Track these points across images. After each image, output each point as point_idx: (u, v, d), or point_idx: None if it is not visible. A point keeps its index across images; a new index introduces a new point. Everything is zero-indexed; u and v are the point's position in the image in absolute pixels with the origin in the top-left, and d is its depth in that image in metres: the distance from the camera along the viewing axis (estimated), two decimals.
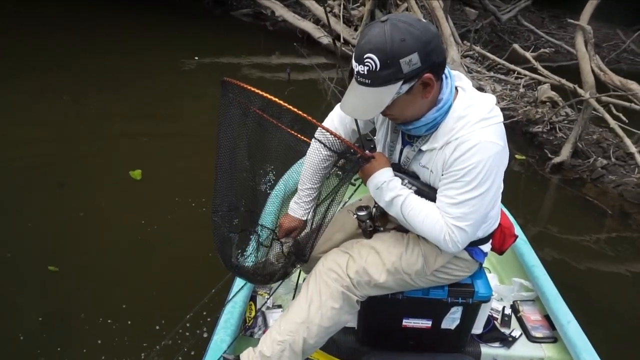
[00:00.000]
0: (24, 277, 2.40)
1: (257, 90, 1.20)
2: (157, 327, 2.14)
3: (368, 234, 1.53)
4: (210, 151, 1.39)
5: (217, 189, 1.41)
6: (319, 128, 1.20)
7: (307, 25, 7.91)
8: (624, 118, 4.13)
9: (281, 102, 1.16)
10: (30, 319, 2.16)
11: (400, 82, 1.12)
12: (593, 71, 4.16)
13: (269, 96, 1.18)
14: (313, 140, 1.31)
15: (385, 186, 1.31)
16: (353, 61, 1.14)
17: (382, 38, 1.08)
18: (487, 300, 1.56)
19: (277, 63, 7.37)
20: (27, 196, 3.02)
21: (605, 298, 2.89)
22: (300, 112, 1.16)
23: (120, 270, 2.51)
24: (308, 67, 7.26)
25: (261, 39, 8.25)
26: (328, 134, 1.19)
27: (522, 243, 2.20)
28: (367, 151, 1.44)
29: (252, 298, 1.88)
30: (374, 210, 1.53)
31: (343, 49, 6.98)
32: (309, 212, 1.55)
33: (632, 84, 3.89)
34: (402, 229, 1.51)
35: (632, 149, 3.94)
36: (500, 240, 1.56)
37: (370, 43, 1.09)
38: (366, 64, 1.10)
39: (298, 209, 1.56)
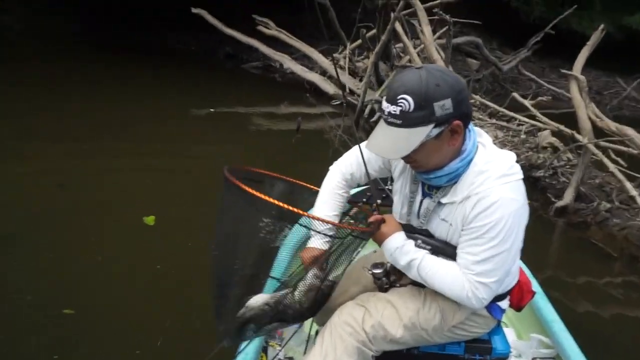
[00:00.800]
0: (39, 319, 2.46)
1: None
2: None
3: (384, 289, 1.51)
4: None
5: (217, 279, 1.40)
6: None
7: (314, 77, 8.27)
8: (622, 162, 4.24)
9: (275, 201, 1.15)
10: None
11: (432, 126, 1.15)
12: (590, 118, 4.30)
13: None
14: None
15: (399, 251, 1.33)
16: (384, 102, 1.17)
17: (417, 81, 1.13)
18: (505, 357, 1.52)
19: (286, 113, 7.66)
20: (42, 238, 3.13)
21: (622, 346, 2.85)
22: (294, 209, 1.15)
23: (134, 316, 2.52)
24: (314, 116, 7.55)
25: (270, 90, 8.61)
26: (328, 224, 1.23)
27: (540, 297, 2.13)
28: (378, 200, 1.49)
29: (264, 349, 1.83)
30: (389, 265, 1.51)
31: (349, 98, 7.28)
32: (329, 242, 1.47)
33: (628, 130, 4.01)
34: (419, 284, 1.48)
35: (633, 192, 4.01)
36: (519, 296, 1.55)
37: (405, 85, 1.14)
38: (399, 104, 1.13)
39: (316, 240, 1.47)
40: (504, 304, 1.49)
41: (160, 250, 3.17)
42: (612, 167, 4.19)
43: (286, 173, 1.64)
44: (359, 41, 7.80)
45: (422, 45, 7.00)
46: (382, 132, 1.19)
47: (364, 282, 1.58)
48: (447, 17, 7.02)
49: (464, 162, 1.24)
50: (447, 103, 1.13)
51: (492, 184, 1.20)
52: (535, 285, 1.91)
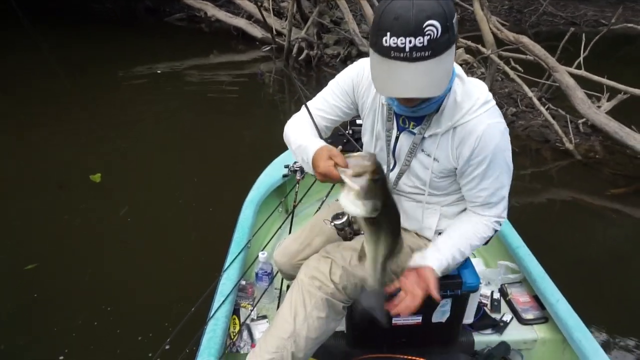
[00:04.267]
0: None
1: None
2: (138, 354, 2.08)
3: (349, 238, 1.48)
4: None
5: None
6: None
7: (240, 22, 8.17)
8: (520, 69, 4.64)
9: None
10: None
11: (454, 46, 1.04)
12: (492, 31, 4.63)
13: None
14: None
15: (445, 269, 1.27)
16: (401, 39, 0.97)
17: (433, 1, 0.97)
18: (475, 289, 1.53)
19: (217, 62, 7.60)
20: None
21: (554, 230, 3.25)
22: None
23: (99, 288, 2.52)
24: (246, 62, 7.54)
25: (198, 41, 8.43)
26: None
27: (505, 224, 2.08)
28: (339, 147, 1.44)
29: (235, 312, 1.79)
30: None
31: (277, 40, 7.31)
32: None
33: (523, 38, 4.37)
34: None
35: (530, 93, 4.44)
36: None
37: (425, 10, 0.96)
38: (427, 33, 0.96)
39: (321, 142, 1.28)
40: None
41: (107, 203, 3.28)
42: (512, 73, 4.58)
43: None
44: None
45: None
46: (406, 72, 1.00)
47: (327, 232, 1.53)
48: None
49: (448, 85, 1.15)
50: (456, 17, 1.01)
51: (477, 113, 1.17)
52: None
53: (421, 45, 0.96)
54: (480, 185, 1.23)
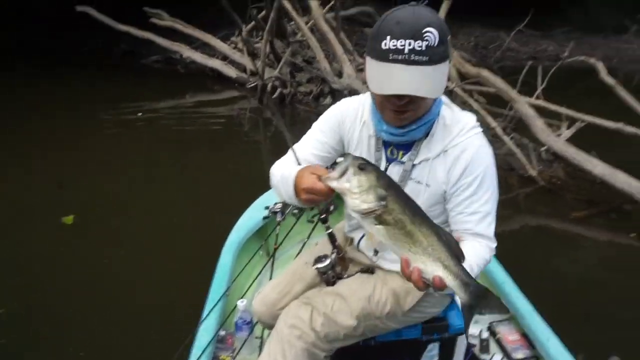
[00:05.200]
0: None
1: None
2: None
3: (331, 283, 1.44)
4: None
5: None
6: None
7: (215, 63, 8.37)
8: (484, 100, 4.87)
9: None
10: None
11: (448, 62, 1.09)
12: (455, 66, 4.87)
13: None
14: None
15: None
16: (401, 41, 1.03)
17: (432, 14, 1.05)
18: (462, 332, 1.49)
19: (193, 102, 7.71)
20: None
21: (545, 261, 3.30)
22: None
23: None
24: (221, 101, 7.68)
25: (174, 82, 8.55)
26: None
27: None
28: None
29: None
30: (334, 257, 1.46)
31: (251, 79, 7.49)
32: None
33: (484, 72, 4.62)
34: (366, 270, 1.43)
35: (493, 124, 4.64)
36: None
37: (424, 19, 1.03)
38: (426, 38, 1.02)
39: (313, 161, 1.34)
40: None
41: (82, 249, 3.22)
42: (475, 105, 4.79)
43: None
44: (254, 22, 7.99)
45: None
46: (403, 72, 1.04)
47: (307, 278, 1.49)
48: None
49: (437, 109, 1.21)
50: (449, 36, 1.07)
51: (467, 135, 1.20)
52: None
53: (419, 49, 1.02)
54: (470, 208, 1.20)
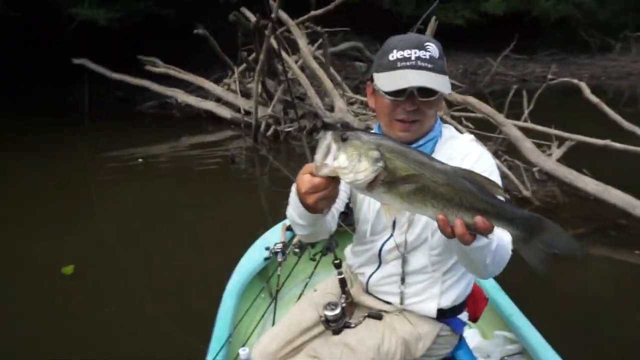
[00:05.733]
0: None
1: None
2: None
3: (337, 332, 1.37)
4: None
5: None
6: None
7: (209, 105, 8.54)
8: (472, 126, 4.95)
9: None
10: None
11: (447, 78, 1.20)
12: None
13: None
14: None
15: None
16: (407, 51, 1.15)
17: (428, 37, 1.22)
18: None
19: (190, 144, 7.82)
20: None
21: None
22: None
23: None
24: (216, 142, 7.78)
25: (170, 126, 8.69)
26: None
27: (497, 291, 2.04)
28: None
29: None
30: (343, 301, 1.41)
31: (245, 119, 7.63)
32: None
33: (470, 99, 4.71)
34: (374, 315, 1.39)
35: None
36: (473, 306, 1.49)
37: (423, 37, 1.22)
38: (428, 49, 1.16)
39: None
40: (464, 316, 1.43)
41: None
42: (464, 131, 4.86)
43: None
44: (245, 64, 8.21)
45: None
46: (412, 73, 1.14)
47: (308, 326, 1.43)
48: (318, 28, 7.67)
49: (439, 128, 1.29)
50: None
51: (469, 144, 1.28)
52: (490, 281, 1.97)
53: (425, 57, 1.15)
54: None
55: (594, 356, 2.51)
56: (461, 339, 1.47)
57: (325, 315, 1.35)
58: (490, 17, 14.14)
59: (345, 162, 0.87)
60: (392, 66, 1.16)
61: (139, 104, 9.86)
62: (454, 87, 7.02)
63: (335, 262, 1.56)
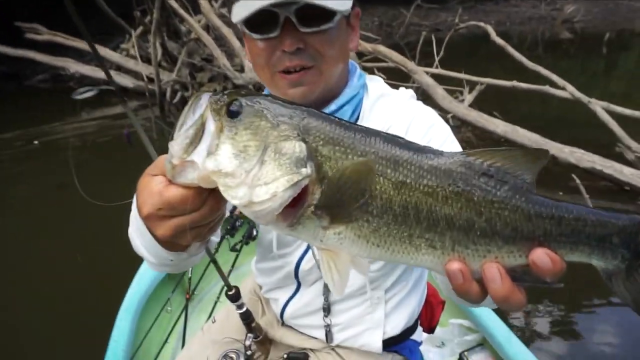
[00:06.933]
0: None
1: None
2: None
3: None
4: None
5: None
6: None
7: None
8: (384, 76, 4.83)
9: None
10: None
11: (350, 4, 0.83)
12: None
13: None
14: None
15: None
16: None
17: None
18: None
19: (90, 119, 7.09)
20: None
21: None
22: None
23: None
24: (122, 114, 7.10)
25: (66, 101, 7.83)
26: None
27: None
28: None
29: None
30: (250, 343, 1.08)
31: (149, 86, 6.99)
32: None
33: (379, 47, 4.55)
34: (296, 357, 1.06)
35: None
36: (428, 315, 1.17)
37: None
38: None
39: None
40: (419, 333, 1.11)
41: None
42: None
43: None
44: (142, 27, 7.46)
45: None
46: None
47: (223, 346, 1.12)
48: None
49: (360, 80, 0.92)
50: None
51: (409, 104, 0.92)
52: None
53: None
54: None
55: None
56: (416, 346, 1.15)
57: None
58: None
59: (230, 162, 0.47)
60: None
61: (28, 79, 8.76)
62: (370, 41, 6.85)
63: (230, 293, 1.12)
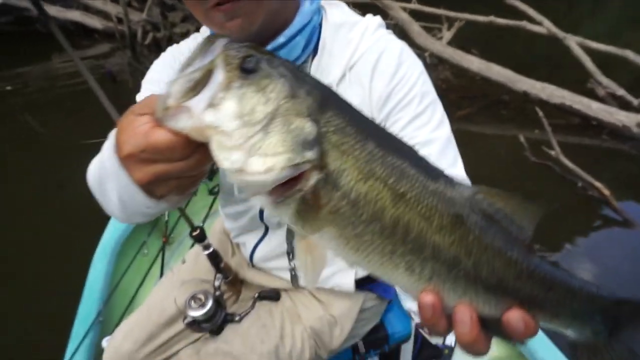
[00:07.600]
0: None
1: None
2: None
3: (216, 330, 0.96)
4: None
5: None
6: None
7: (74, 15, 7.39)
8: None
9: None
10: None
11: None
12: None
13: None
14: None
15: None
16: None
17: None
18: (407, 338, 1.19)
19: (62, 64, 6.83)
20: None
21: None
22: None
23: None
24: (93, 57, 6.85)
25: (34, 45, 7.50)
26: None
27: None
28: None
29: None
30: (220, 283, 1.03)
31: (120, 27, 6.71)
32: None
33: None
34: (268, 296, 1.03)
35: None
36: None
37: None
38: None
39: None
40: None
41: None
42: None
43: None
44: None
45: None
46: None
47: (172, 316, 1.03)
48: None
49: (314, 5, 0.78)
50: None
51: (376, 36, 0.80)
52: None
53: None
54: (419, 136, 0.76)
55: None
56: (390, 302, 1.15)
57: (192, 319, 0.91)
58: None
59: (231, 121, 0.42)
60: None
61: None
62: None
63: (194, 234, 1.09)
